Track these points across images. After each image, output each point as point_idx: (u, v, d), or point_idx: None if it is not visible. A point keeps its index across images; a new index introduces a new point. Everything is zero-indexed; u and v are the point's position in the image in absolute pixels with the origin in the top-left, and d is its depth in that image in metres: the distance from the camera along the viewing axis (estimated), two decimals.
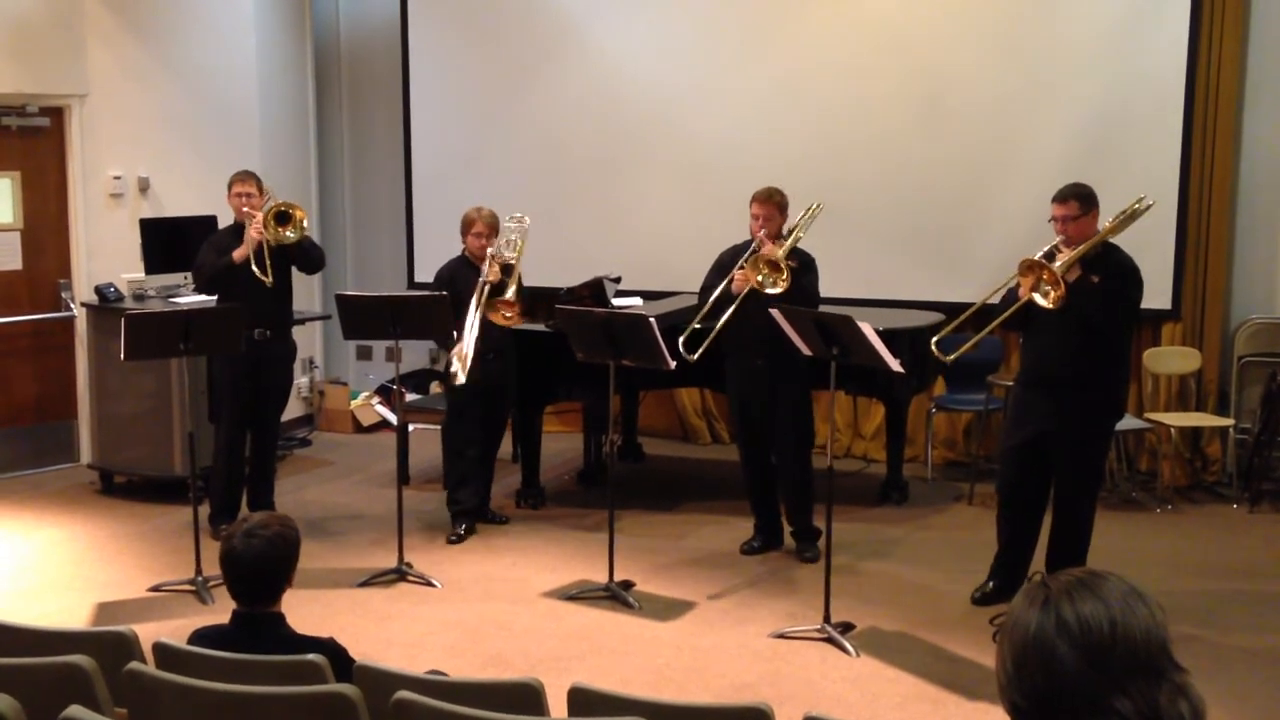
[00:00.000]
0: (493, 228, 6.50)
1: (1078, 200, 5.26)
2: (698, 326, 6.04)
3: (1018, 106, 7.75)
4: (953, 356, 5.49)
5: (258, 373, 6.50)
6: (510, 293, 6.31)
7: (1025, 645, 1.62)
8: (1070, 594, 1.62)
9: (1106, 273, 5.19)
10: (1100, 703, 1.58)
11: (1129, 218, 5.29)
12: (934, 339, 5.55)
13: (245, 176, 6.51)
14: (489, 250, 6.43)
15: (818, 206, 6.17)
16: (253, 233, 6.27)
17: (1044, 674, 1.60)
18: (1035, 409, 5.39)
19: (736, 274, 5.93)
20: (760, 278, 5.78)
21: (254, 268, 6.23)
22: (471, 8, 8.95)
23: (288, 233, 6.31)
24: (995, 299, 5.46)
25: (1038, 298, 5.03)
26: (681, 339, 6.03)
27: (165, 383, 7.18)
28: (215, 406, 6.72)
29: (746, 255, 5.94)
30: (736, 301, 5.88)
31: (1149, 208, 5.38)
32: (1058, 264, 5.06)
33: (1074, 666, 1.59)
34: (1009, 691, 1.65)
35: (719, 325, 5.98)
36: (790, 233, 6.04)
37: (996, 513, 5.67)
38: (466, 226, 6.54)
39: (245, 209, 6.39)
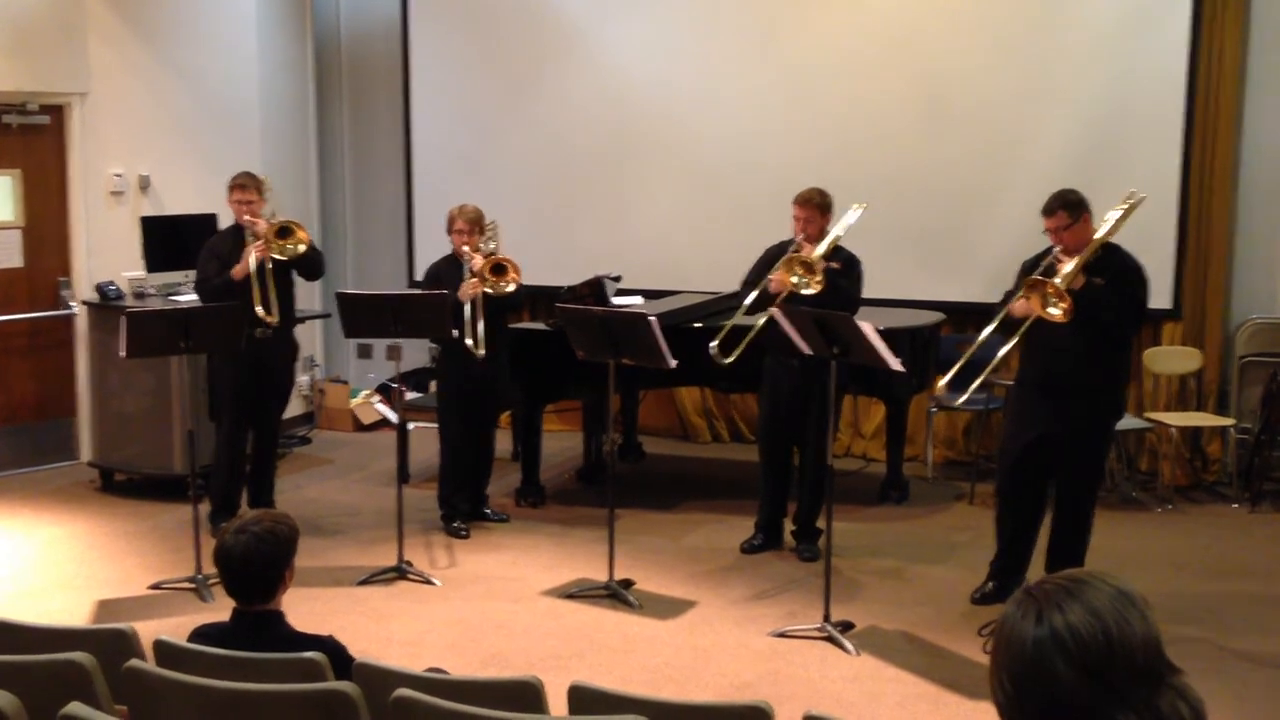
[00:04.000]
0: (474, 224, 6.49)
1: (1065, 210, 5.24)
2: (735, 323, 5.99)
3: (1020, 106, 7.75)
4: (959, 402, 5.68)
5: (259, 371, 6.50)
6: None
7: (1023, 666, 1.60)
8: (1059, 605, 1.60)
9: (1110, 274, 5.17)
10: (1102, 717, 1.57)
11: (1123, 217, 5.26)
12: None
13: (245, 183, 6.45)
14: (476, 249, 6.44)
15: (859, 208, 6.12)
16: (255, 252, 6.27)
17: (1044, 694, 1.58)
18: (1037, 410, 5.37)
19: (773, 276, 5.90)
20: (795, 279, 5.75)
21: (259, 308, 6.21)
22: (473, 7, 8.95)
23: (288, 245, 6.32)
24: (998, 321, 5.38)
25: (1052, 311, 5.00)
26: (715, 341, 5.97)
27: (165, 381, 7.18)
28: (215, 405, 6.72)
29: (784, 257, 5.89)
30: (775, 301, 5.82)
31: (1141, 201, 5.34)
32: (1059, 278, 5.03)
33: (1074, 684, 1.56)
34: (1009, 711, 1.63)
35: (756, 328, 5.92)
36: (828, 234, 5.99)
37: (996, 513, 5.67)
38: (449, 224, 6.55)
39: (246, 217, 6.38)
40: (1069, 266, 5.08)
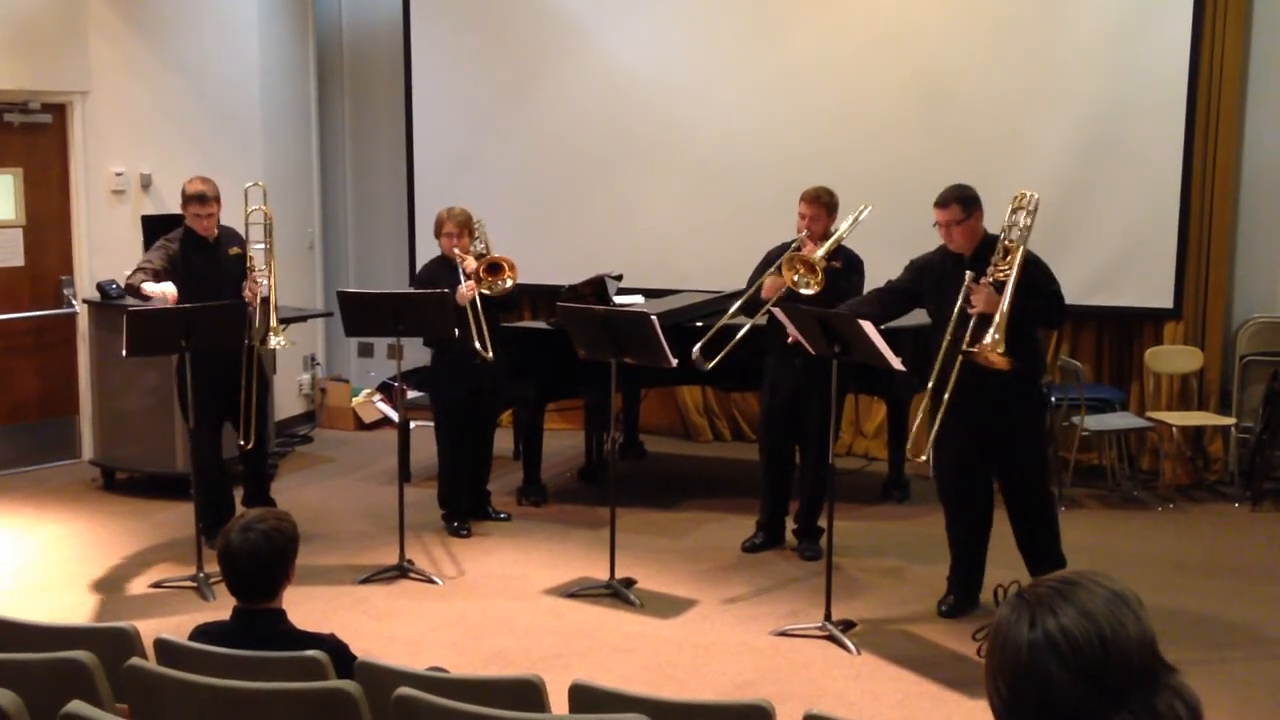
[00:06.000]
0: (464, 226, 6.46)
1: (960, 204, 5.23)
2: (724, 324, 5.97)
3: (1020, 104, 7.75)
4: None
5: (227, 379, 6.33)
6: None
7: (1018, 670, 1.59)
8: (1052, 608, 1.59)
9: (1029, 281, 5.07)
10: (1099, 719, 1.57)
11: (1029, 228, 5.21)
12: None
13: (203, 197, 6.25)
14: (467, 251, 6.43)
15: (865, 209, 6.08)
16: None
17: (1040, 697, 1.58)
18: (968, 413, 5.20)
19: (766, 280, 5.88)
20: (796, 278, 5.70)
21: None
22: (474, 7, 8.95)
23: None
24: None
25: (997, 359, 4.92)
26: (699, 345, 5.93)
27: (167, 379, 7.14)
28: (197, 423, 6.31)
29: (785, 255, 5.84)
30: (765, 306, 5.78)
31: (1037, 204, 5.24)
32: (988, 337, 4.89)
33: (1070, 687, 1.56)
34: (1006, 715, 1.63)
35: (744, 330, 5.94)
36: (833, 234, 5.96)
37: (946, 524, 5.55)
38: (438, 227, 6.53)
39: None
40: (991, 330, 4.92)
